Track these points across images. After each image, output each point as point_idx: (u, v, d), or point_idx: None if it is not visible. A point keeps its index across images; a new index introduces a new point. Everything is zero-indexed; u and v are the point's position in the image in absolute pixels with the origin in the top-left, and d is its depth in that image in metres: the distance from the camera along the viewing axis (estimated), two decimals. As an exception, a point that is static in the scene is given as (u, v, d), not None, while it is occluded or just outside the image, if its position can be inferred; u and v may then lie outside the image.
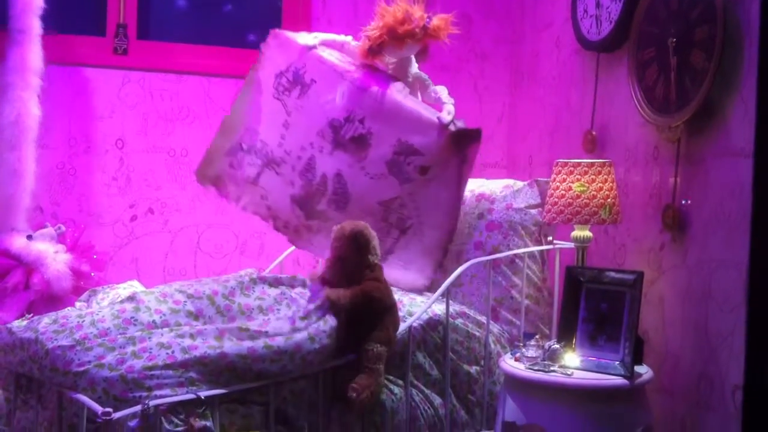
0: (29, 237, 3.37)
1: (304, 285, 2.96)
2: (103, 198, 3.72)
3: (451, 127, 3.15)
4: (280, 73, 3.37)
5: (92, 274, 3.44)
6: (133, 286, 3.11)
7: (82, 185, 3.69)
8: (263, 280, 2.94)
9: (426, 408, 2.91)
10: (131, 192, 3.77)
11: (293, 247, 3.78)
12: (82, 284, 3.41)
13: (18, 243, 3.35)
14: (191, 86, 3.87)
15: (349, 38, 3.42)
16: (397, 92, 3.24)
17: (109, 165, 3.74)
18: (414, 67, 3.39)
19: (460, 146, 3.15)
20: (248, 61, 3.90)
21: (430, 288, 3.25)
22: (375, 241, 2.88)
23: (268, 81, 3.40)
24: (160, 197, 3.82)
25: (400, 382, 2.87)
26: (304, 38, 3.38)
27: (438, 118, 3.16)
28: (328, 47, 3.39)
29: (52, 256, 3.37)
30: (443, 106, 3.24)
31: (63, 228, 3.51)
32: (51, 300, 3.32)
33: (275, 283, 2.95)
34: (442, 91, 3.33)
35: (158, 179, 3.82)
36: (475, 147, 3.18)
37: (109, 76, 3.73)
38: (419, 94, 3.38)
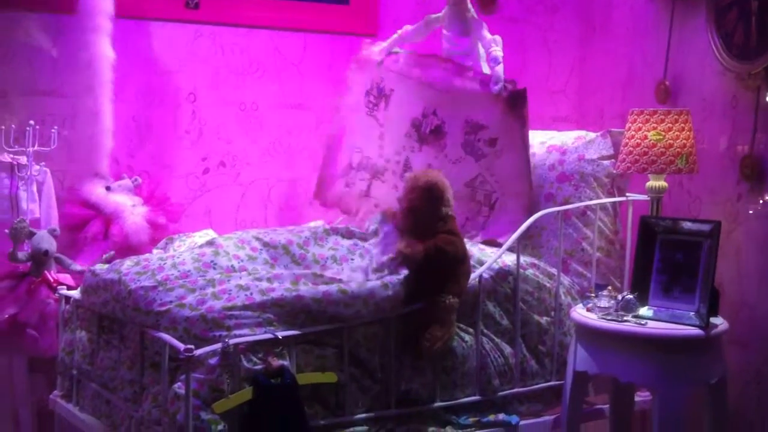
0: (108, 188, 3.46)
1: (376, 235, 2.98)
2: (177, 151, 3.78)
3: (503, 92, 3.22)
4: (367, 92, 3.66)
5: (166, 222, 3.51)
6: (209, 235, 3.18)
7: (156, 138, 3.75)
8: (336, 231, 2.99)
9: (496, 356, 2.92)
10: (203, 145, 3.82)
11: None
12: (158, 237, 3.48)
13: (97, 193, 3.43)
14: (261, 40, 3.89)
15: (404, 28, 3.62)
16: (452, 75, 3.38)
17: (182, 118, 3.79)
18: (471, 11, 3.47)
19: (516, 109, 3.20)
20: (316, 15, 3.93)
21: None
22: (449, 192, 2.87)
23: (359, 102, 3.67)
24: (231, 150, 3.87)
25: (471, 330, 2.88)
26: (376, 54, 3.65)
27: (491, 90, 3.26)
28: (393, 50, 3.61)
29: (130, 209, 3.44)
30: (493, 71, 3.27)
31: (139, 180, 3.58)
32: (128, 251, 3.40)
33: (348, 234, 2.99)
34: (496, 45, 3.34)
35: (229, 133, 3.87)
36: (527, 107, 3.22)
37: (181, 30, 3.77)
38: (474, 35, 3.44)
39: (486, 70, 3.35)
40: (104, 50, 3.41)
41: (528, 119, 3.22)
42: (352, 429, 2.59)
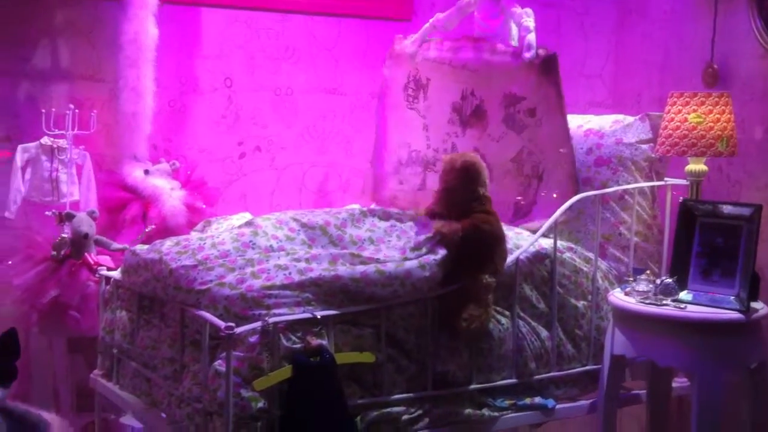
0: (146, 172, 3.49)
1: (413, 219, 2.99)
2: (213, 135, 3.81)
3: (536, 60, 3.18)
4: (405, 85, 3.63)
5: (203, 206, 3.54)
6: (246, 218, 3.18)
7: (193, 123, 3.78)
8: (373, 213, 2.99)
9: (533, 339, 2.91)
10: (239, 130, 3.85)
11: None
12: (196, 220, 3.51)
13: (135, 175, 3.46)
14: (295, 25, 3.90)
15: (435, 16, 3.57)
16: (483, 52, 3.35)
17: (218, 103, 3.82)
18: None
19: (550, 75, 3.17)
20: (351, -1, 3.94)
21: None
22: (485, 173, 2.86)
23: (398, 97, 3.65)
24: (266, 135, 3.89)
25: (507, 312, 2.88)
26: (409, 47, 3.60)
27: (523, 58, 3.22)
28: (426, 39, 3.57)
29: (168, 192, 3.46)
30: (525, 38, 3.24)
31: (177, 164, 3.61)
32: (166, 234, 3.43)
33: (385, 216, 2.99)
34: (527, 17, 3.32)
35: (265, 118, 3.89)
36: (558, 72, 3.18)
37: (217, 15, 3.79)
38: (506, 14, 3.41)
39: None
40: (147, 36, 3.43)
41: (561, 85, 3.19)
42: (389, 409, 2.60)
